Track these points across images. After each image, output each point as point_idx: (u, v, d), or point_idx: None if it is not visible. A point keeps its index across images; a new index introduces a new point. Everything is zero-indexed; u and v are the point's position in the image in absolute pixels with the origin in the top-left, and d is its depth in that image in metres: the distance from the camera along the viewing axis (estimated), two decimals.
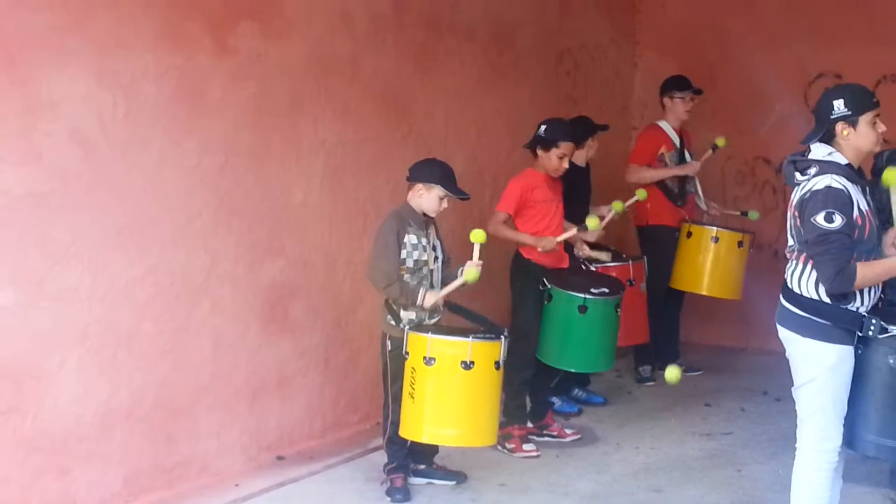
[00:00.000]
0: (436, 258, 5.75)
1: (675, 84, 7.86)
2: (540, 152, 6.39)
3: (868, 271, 4.50)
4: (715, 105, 8.84)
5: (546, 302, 6.37)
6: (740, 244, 7.64)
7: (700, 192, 7.87)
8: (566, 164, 6.38)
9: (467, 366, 5.36)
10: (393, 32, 6.84)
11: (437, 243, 5.80)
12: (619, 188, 7.68)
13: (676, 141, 7.80)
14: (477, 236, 5.55)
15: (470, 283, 5.57)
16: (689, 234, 7.69)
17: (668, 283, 7.76)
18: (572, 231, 6.46)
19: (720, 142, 7.80)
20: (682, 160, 7.80)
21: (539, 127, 6.43)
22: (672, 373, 5.11)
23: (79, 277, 5.14)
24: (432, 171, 5.70)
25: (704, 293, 7.80)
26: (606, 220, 6.84)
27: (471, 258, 5.59)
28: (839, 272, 4.46)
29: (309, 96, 6.29)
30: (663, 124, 7.82)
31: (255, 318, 6.05)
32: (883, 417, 4.61)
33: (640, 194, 7.17)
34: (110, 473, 5.33)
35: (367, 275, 5.83)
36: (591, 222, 6.52)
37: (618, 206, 6.91)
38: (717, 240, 7.61)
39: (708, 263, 7.67)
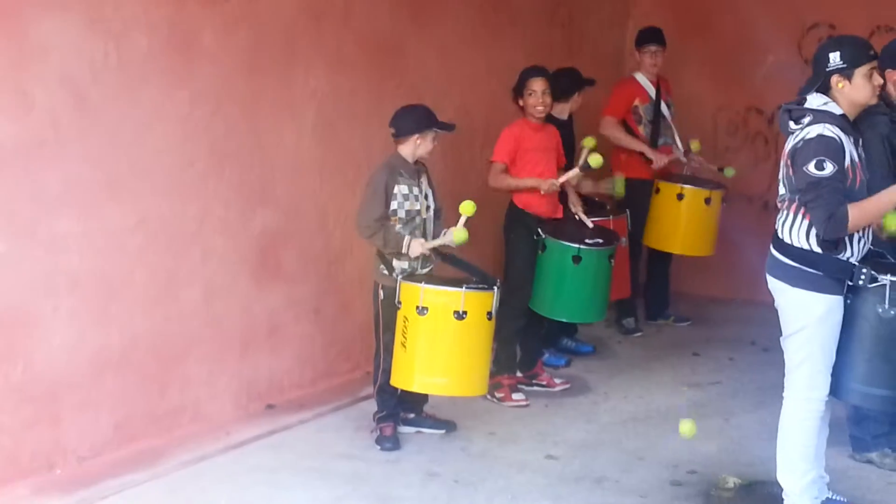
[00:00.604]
0: (428, 207, 5.77)
1: (639, 38, 7.82)
2: (521, 101, 6.44)
3: (858, 212, 4.51)
4: (708, 54, 8.84)
5: (540, 252, 6.39)
6: (708, 200, 7.50)
7: (679, 143, 7.78)
8: (542, 100, 6.38)
9: (460, 316, 5.39)
10: None
11: (430, 192, 5.81)
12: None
13: (652, 93, 7.75)
14: (466, 208, 5.50)
15: (457, 244, 5.56)
16: (658, 191, 7.62)
17: (644, 239, 7.74)
18: (574, 171, 6.45)
19: (694, 146, 7.76)
20: (657, 112, 7.74)
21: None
22: (686, 427, 5.15)
23: (70, 226, 5.15)
24: (420, 119, 5.71)
25: (676, 252, 7.78)
26: (583, 160, 6.70)
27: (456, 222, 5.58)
28: (831, 216, 4.48)
29: (301, 45, 6.27)
30: (639, 76, 7.77)
31: (247, 267, 6.07)
32: (870, 366, 4.66)
33: (588, 142, 6.69)
34: (101, 421, 5.37)
35: (355, 224, 5.85)
36: (595, 160, 6.41)
37: (588, 141, 6.66)
38: (681, 196, 7.49)
39: (674, 220, 7.56)
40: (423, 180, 5.78)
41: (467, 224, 5.55)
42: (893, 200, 4.56)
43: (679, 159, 7.81)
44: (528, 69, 6.51)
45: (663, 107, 7.79)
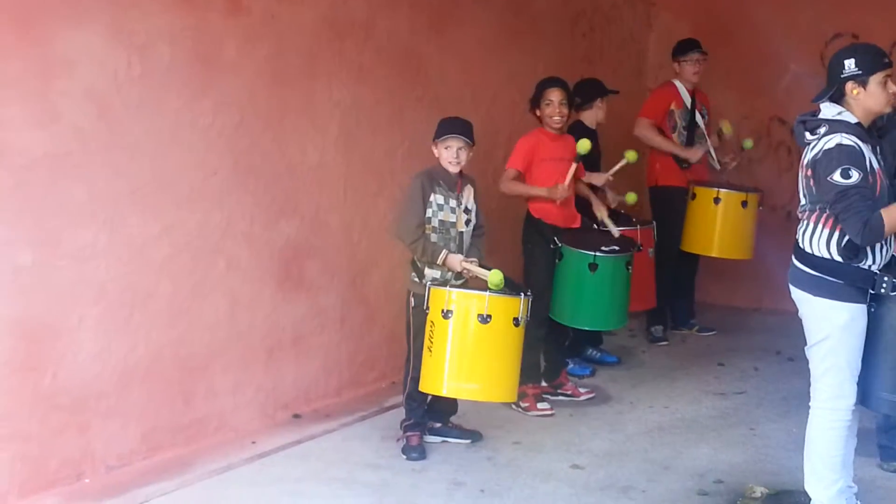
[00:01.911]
0: (467, 221, 5.77)
1: (680, 48, 7.85)
2: (538, 112, 6.47)
3: (889, 217, 4.48)
4: (730, 65, 8.83)
5: (557, 261, 6.41)
6: (744, 204, 7.57)
7: (712, 151, 7.84)
8: (559, 110, 6.41)
9: (484, 319, 5.38)
10: None
11: (472, 207, 5.81)
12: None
13: (688, 101, 7.78)
14: (493, 278, 5.41)
15: (493, 286, 5.45)
16: (694, 196, 7.66)
17: (679, 245, 7.75)
18: (573, 167, 6.43)
19: (725, 128, 7.80)
20: (692, 120, 7.78)
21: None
22: None
23: (95, 237, 5.18)
24: (436, 129, 5.75)
25: (714, 255, 7.79)
26: (616, 168, 6.84)
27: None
28: (866, 224, 4.45)
29: (323, 57, 6.29)
30: (677, 83, 7.82)
31: (271, 278, 6.08)
32: None
33: (630, 156, 6.90)
34: (129, 430, 5.39)
35: (393, 232, 5.86)
36: (582, 144, 6.40)
37: (630, 155, 6.86)
38: (718, 200, 7.56)
39: (713, 225, 7.62)
40: (466, 194, 5.79)
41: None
42: None
43: (711, 163, 7.83)
44: (546, 80, 6.54)
45: (698, 116, 7.80)
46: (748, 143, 7.95)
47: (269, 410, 6.12)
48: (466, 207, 5.78)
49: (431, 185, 5.67)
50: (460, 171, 5.75)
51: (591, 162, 6.90)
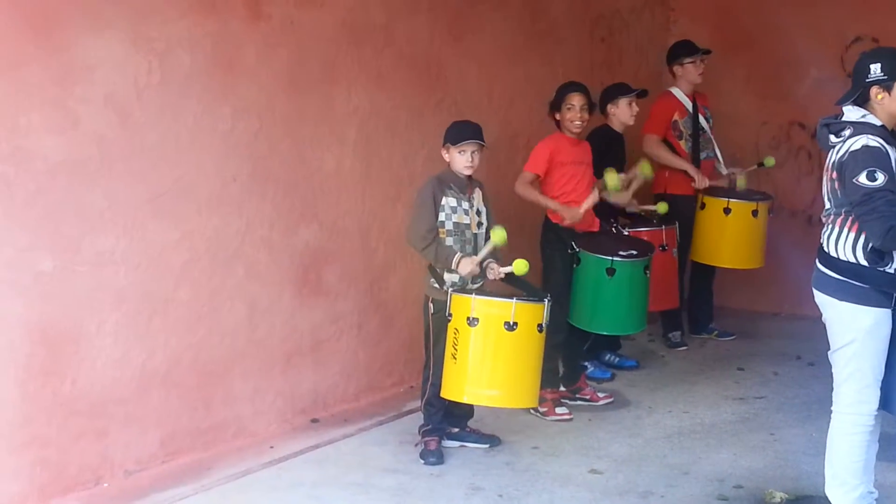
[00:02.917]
0: (479, 223, 5.77)
1: (684, 50, 7.77)
2: (558, 116, 6.46)
3: None
4: (750, 70, 8.80)
5: (575, 265, 6.41)
6: (755, 213, 7.50)
7: (720, 157, 7.79)
8: (580, 115, 6.40)
9: (510, 327, 5.40)
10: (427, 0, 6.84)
11: (484, 209, 5.82)
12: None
13: (689, 106, 7.73)
14: (497, 235, 5.53)
15: (499, 244, 5.57)
16: (703, 206, 7.60)
17: (689, 254, 7.71)
18: (593, 197, 6.46)
19: (768, 162, 7.80)
20: (695, 126, 7.73)
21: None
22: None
23: (115, 243, 5.21)
24: (449, 131, 5.77)
25: (724, 266, 7.75)
26: (629, 179, 6.87)
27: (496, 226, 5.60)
28: (889, 229, 4.43)
29: (342, 63, 6.30)
30: (675, 91, 7.74)
31: (289, 284, 6.09)
32: None
33: (645, 169, 6.93)
34: (147, 435, 5.42)
35: (405, 237, 5.87)
36: (610, 178, 6.47)
37: (645, 168, 6.89)
38: (728, 211, 7.49)
39: (722, 235, 7.55)
40: (476, 196, 5.80)
41: (497, 253, 5.58)
42: None
43: (720, 173, 7.79)
44: (568, 84, 6.53)
45: (701, 120, 7.77)
46: (770, 161, 7.91)
47: (287, 415, 6.13)
48: (478, 210, 5.78)
49: (442, 188, 5.68)
50: (469, 175, 5.75)
51: (616, 165, 6.87)
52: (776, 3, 8.73)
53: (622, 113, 7.04)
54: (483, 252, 5.65)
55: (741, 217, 7.52)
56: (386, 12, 6.55)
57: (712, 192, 7.66)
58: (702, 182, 7.61)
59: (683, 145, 7.72)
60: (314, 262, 6.22)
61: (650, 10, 9.16)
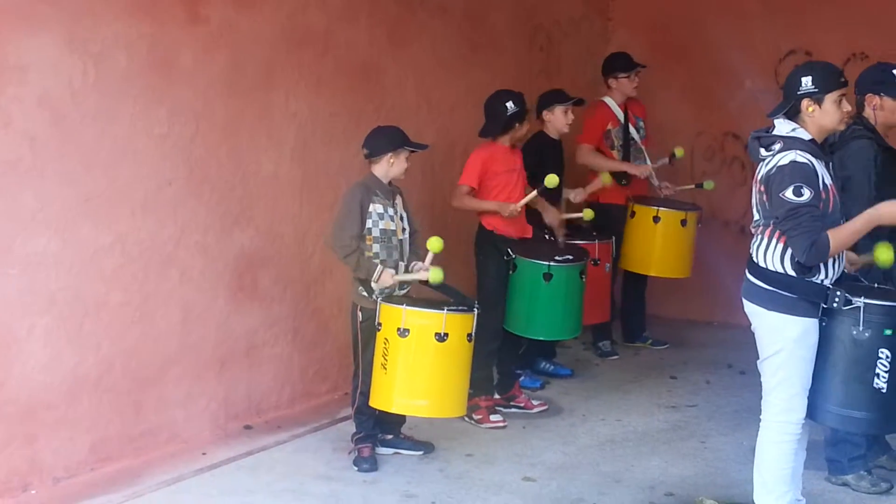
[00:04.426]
0: (403, 229, 5.78)
1: (620, 65, 7.81)
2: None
3: (838, 236, 4.55)
4: (685, 81, 8.89)
5: (511, 272, 6.44)
6: (683, 223, 7.57)
7: (650, 163, 7.82)
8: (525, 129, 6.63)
9: (441, 337, 5.41)
10: (366, 6, 6.83)
11: (405, 214, 5.82)
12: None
13: (621, 117, 7.78)
14: (434, 244, 5.53)
15: (434, 283, 5.57)
16: (633, 214, 7.66)
17: (619, 262, 7.75)
18: (533, 194, 6.50)
19: (678, 152, 7.84)
20: (626, 135, 7.79)
21: (503, 105, 6.47)
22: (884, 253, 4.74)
23: (47, 245, 5.14)
24: (392, 137, 5.75)
25: (652, 274, 7.82)
26: (590, 189, 7.28)
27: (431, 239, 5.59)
28: (813, 244, 4.50)
29: (281, 68, 6.28)
30: (608, 101, 7.79)
31: (224, 288, 6.05)
32: (846, 389, 4.68)
33: (605, 178, 7.24)
34: (77, 441, 5.35)
35: (326, 242, 5.85)
36: (550, 179, 6.49)
37: (606, 177, 7.16)
38: (657, 219, 7.55)
39: (651, 244, 7.61)
40: (398, 202, 5.80)
41: (434, 261, 5.59)
42: (868, 225, 4.62)
43: (651, 182, 7.85)
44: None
45: (632, 130, 7.83)
46: (710, 185, 7.98)
47: (220, 421, 6.08)
48: (401, 215, 5.79)
49: (369, 195, 5.67)
50: (390, 181, 5.76)
51: (556, 171, 6.89)
52: (713, 15, 8.84)
53: (557, 120, 7.07)
54: (408, 276, 5.64)
55: (670, 226, 7.58)
56: (325, 18, 6.54)
57: (643, 200, 7.73)
58: (643, 172, 7.69)
59: (616, 155, 7.78)
60: (250, 266, 6.19)
61: (589, 21, 9.22)
